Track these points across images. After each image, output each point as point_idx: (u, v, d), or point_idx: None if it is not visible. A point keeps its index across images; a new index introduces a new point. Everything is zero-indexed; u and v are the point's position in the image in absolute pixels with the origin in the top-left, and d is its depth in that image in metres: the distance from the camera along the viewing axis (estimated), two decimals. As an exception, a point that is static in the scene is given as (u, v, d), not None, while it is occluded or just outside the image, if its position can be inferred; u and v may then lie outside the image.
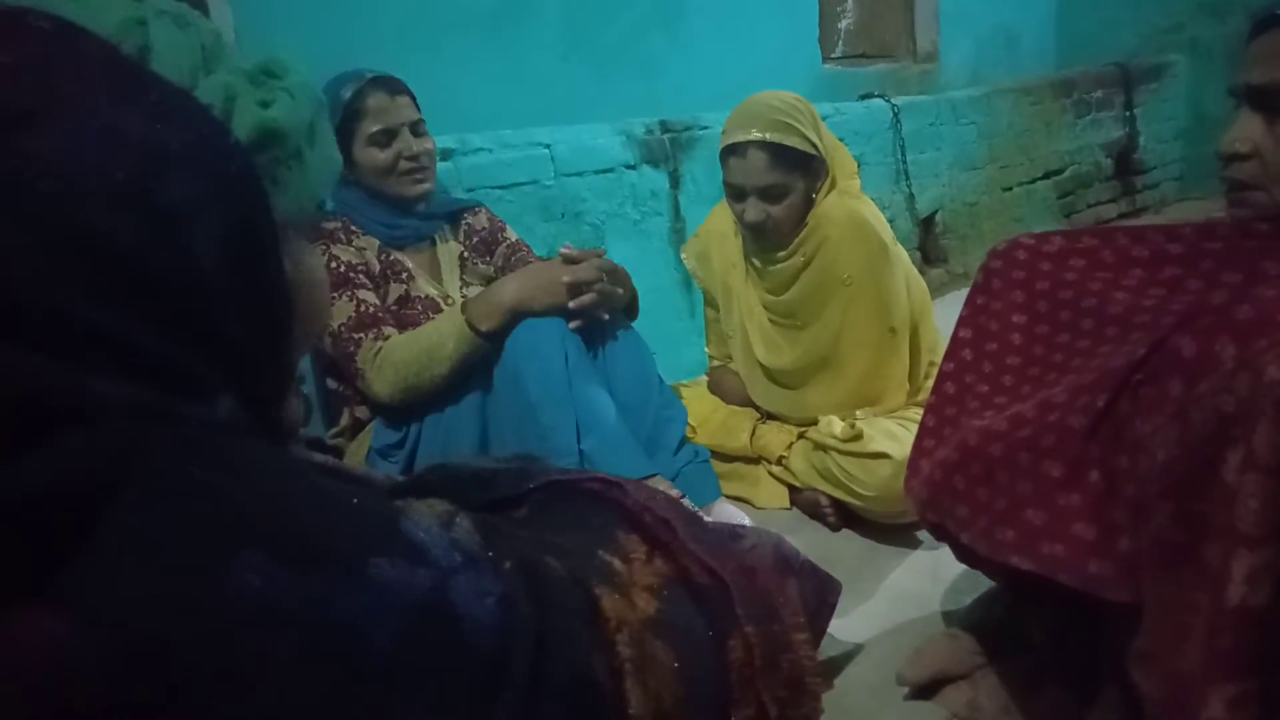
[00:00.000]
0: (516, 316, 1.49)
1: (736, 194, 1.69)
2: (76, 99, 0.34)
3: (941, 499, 1.05)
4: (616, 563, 0.48)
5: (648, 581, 0.48)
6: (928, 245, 3.48)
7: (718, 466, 1.83)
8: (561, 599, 0.41)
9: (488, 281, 1.74)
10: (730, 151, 1.66)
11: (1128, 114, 4.53)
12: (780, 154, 1.63)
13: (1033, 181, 4.01)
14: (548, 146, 2.26)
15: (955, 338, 1.21)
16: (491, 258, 1.78)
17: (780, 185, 1.65)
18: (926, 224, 3.46)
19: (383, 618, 0.32)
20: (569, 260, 1.54)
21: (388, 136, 1.57)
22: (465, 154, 2.09)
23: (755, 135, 1.62)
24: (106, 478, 0.28)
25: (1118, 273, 1.07)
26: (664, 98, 2.82)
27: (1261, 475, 0.72)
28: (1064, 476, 0.91)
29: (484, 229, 1.79)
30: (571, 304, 1.51)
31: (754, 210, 1.67)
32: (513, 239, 1.81)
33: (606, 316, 1.59)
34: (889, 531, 1.63)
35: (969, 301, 1.21)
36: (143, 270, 0.33)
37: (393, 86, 1.60)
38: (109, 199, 0.32)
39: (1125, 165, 4.59)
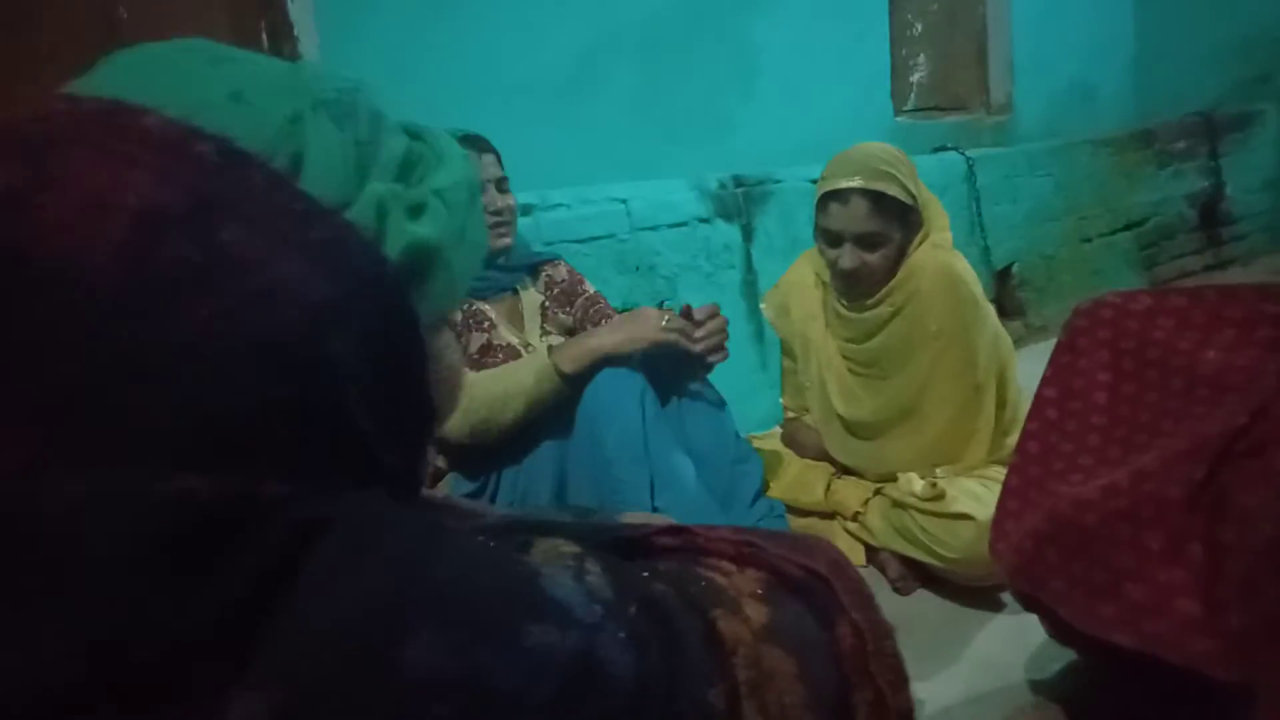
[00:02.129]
0: (602, 361, 1.50)
1: (833, 240, 1.70)
2: (243, 255, 0.33)
3: (1033, 569, 1.03)
4: (717, 577, 0.48)
5: (752, 588, 0.48)
6: (1004, 298, 3.42)
7: (792, 522, 1.82)
8: (684, 633, 0.42)
9: (567, 331, 1.77)
10: (831, 197, 1.67)
11: (1212, 164, 4.41)
12: (881, 202, 1.63)
13: (1113, 233, 3.92)
14: (624, 201, 2.31)
15: (1040, 396, 1.20)
16: (571, 309, 1.81)
17: (878, 234, 1.65)
18: (1002, 276, 3.41)
19: (539, 681, 0.34)
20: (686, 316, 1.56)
21: (474, 192, 1.63)
22: (545, 209, 2.14)
23: (858, 182, 1.63)
24: (281, 569, 0.31)
25: (1208, 333, 1.05)
26: (737, 153, 2.86)
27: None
28: (1164, 549, 0.88)
29: (564, 280, 1.83)
30: (658, 337, 1.51)
31: (850, 257, 1.67)
32: (590, 291, 1.84)
33: (693, 371, 1.60)
34: (971, 593, 1.59)
35: (1053, 360, 1.19)
36: (303, 424, 0.34)
37: (480, 145, 1.65)
38: (269, 362, 0.33)
39: (1211, 217, 4.46)
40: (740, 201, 2.56)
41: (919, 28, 3.96)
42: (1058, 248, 3.62)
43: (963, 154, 3.22)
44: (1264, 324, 1.02)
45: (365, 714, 0.30)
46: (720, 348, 1.60)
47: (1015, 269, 3.43)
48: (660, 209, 2.38)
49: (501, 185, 1.67)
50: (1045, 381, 1.20)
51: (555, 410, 1.53)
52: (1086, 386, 1.15)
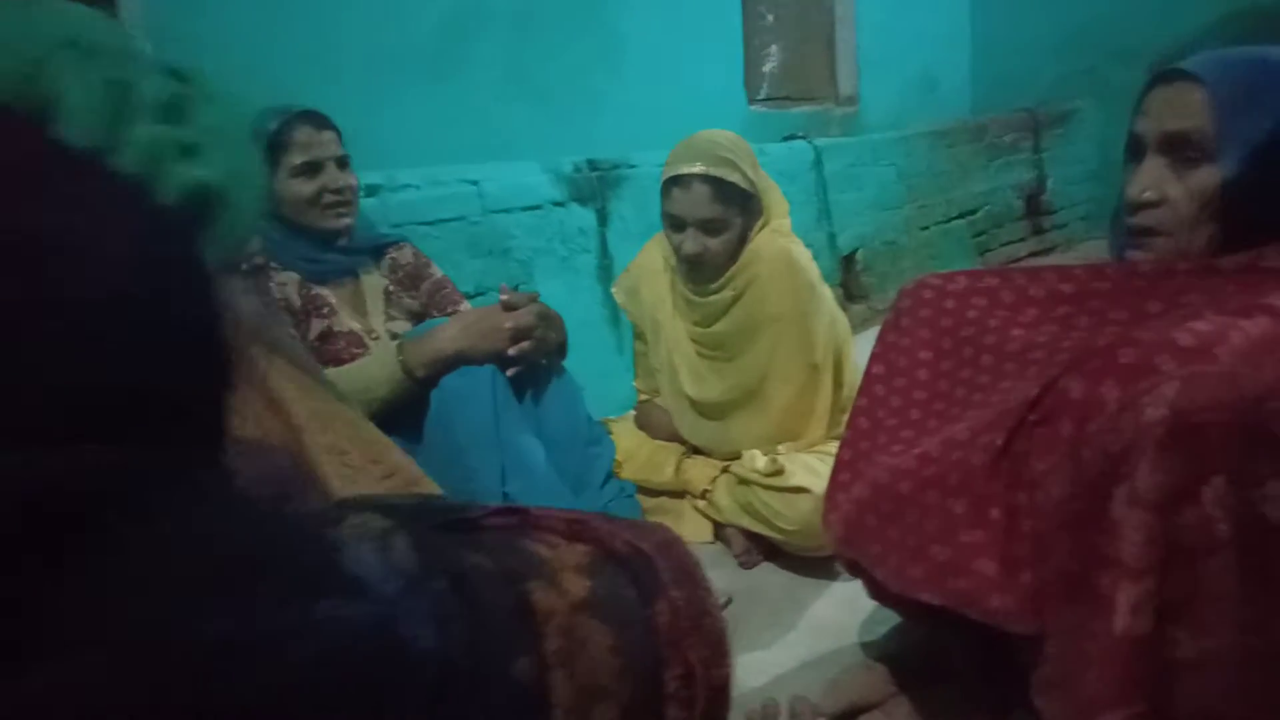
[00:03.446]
0: (455, 364, 1.49)
1: (677, 225, 1.73)
2: (4, 218, 0.30)
3: (856, 536, 1.08)
4: (542, 549, 0.49)
5: (576, 561, 0.49)
6: (849, 282, 3.57)
7: (643, 501, 1.85)
8: (492, 605, 0.42)
9: (413, 316, 1.73)
10: (674, 183, 1.71)
11: (1036, 158, 4.76)
12: (721, 189, 1.68)
13: (949, 221, 4.16)
14: (475, 183, 2.27)
15: (868, 374, 1.26)
16: (417, 293, 1.78)
17: (719, 219, 1.70)
18: (848, 261, 3.56)
19: (334, 657, 0.33)
20: (508, 306, 1.54)
21: (312, 170, 1.57)
22: (393, 190, 2.08)
23: (699, 169, 1.67)
24: (74, 544, 0.29)
25: (1015, 311, 1.13)
26: (597, 137, 2.86)
27: (1143, 510, 0.76)
28: (967, 513, 0.94)
29: (409, 263, 1.79)
30: (511, 351, 1.51)
31: (692, 242, 1.71)
32: (438, 275, 1.81)
33: (544, 362, 1.61)
34: (810, 564, 1.66)
35: (880, 338, 1.26)
36: (96, 386, 0.31)
37: (319, 121, 1.59)
38: (52, 328, 0.30)
39: (1035, 206, 4.81)
40: (595, 185, 2.56)
41: (770, 19, 4.07)
42: (899, 234, 3.82)
43: (811, 143, 3.34)
44: (1062, 303, 1.11)
45: (156, 687, 0.29)
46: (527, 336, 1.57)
47: (859, 254, 3.59)
48: (514, 191, 2.35)
49: (342, 163, 1.62)
50: (873, 359, 1.26)
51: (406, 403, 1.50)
52: (910, 364, 1.22)
